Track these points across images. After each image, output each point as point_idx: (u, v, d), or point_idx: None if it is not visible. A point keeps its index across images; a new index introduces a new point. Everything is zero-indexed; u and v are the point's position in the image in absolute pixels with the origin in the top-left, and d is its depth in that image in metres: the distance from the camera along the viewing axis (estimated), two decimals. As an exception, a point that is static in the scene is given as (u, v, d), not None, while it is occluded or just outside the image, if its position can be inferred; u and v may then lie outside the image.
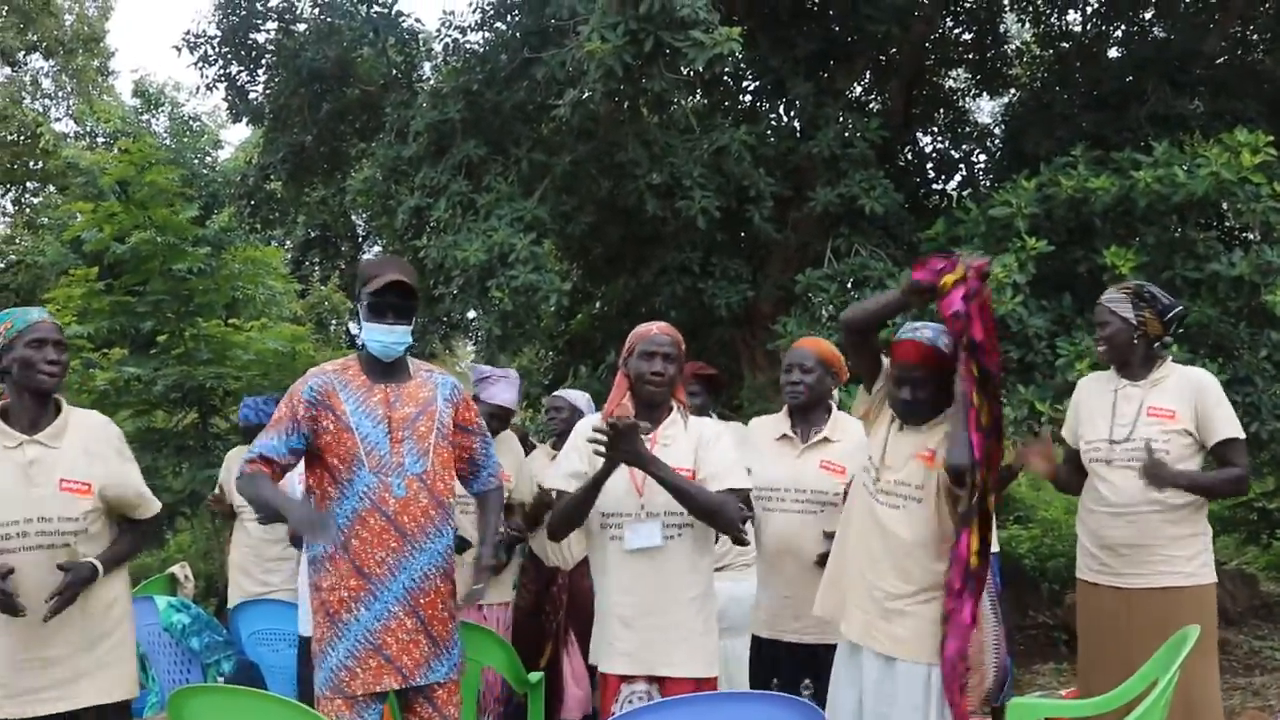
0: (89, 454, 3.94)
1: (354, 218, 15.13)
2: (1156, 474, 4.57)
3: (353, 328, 4.18)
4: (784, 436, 4.91)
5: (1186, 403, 4.72)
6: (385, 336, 4.00)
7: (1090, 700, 4.33)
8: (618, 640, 4.13)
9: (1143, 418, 4.76)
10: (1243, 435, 4.79)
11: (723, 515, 4.02)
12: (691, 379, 5.58)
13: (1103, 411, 4.91)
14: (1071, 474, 5.08)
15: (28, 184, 21.91)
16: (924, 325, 4.03)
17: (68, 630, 3.85)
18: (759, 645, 4.88)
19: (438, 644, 4.03)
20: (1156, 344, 4.83)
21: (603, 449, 3.90)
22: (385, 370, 4.08)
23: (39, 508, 3.80)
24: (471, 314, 9.05)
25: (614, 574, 4.16)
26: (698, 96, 10.30)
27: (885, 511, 3.99)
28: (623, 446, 3.90)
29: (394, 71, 10.27)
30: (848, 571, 4.08)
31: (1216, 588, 4.81)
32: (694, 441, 4.17)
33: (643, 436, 3.97)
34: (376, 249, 15.46)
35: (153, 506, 4.14)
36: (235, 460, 6.95)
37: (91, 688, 3.91)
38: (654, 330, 4.25)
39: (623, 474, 4.06)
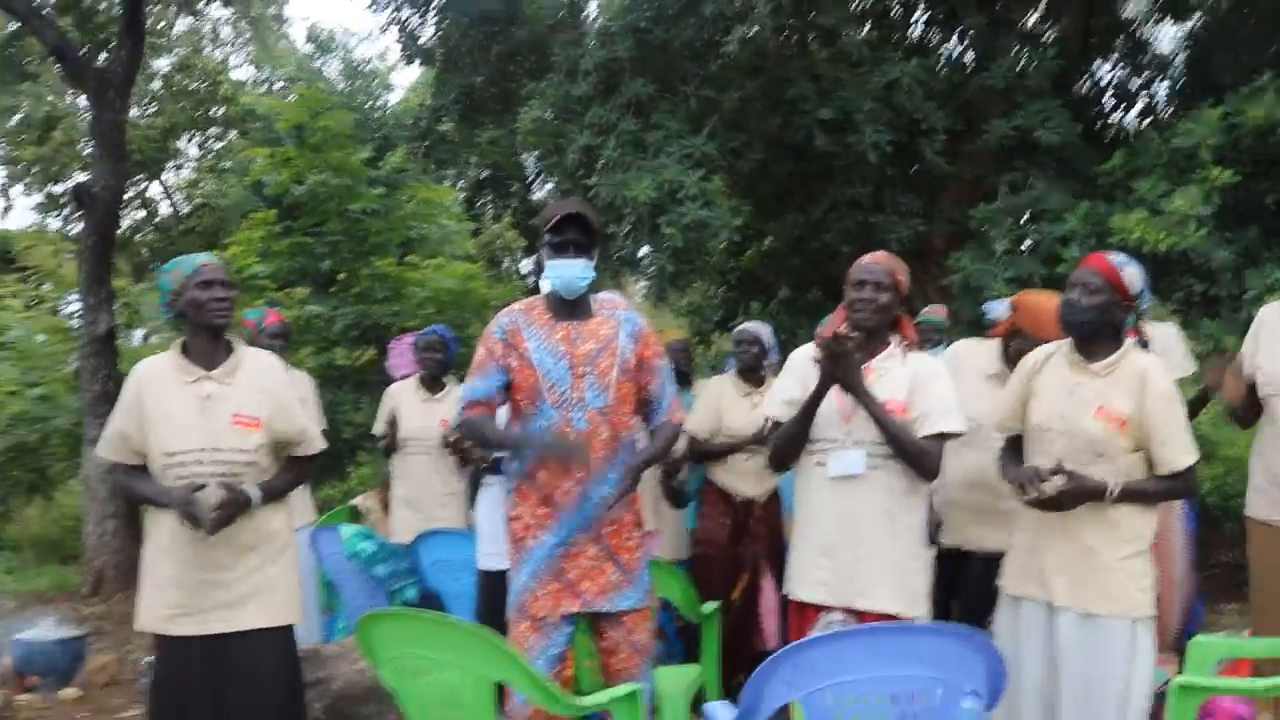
0: (260, 391, 4.13)
1: (524, 157, 15.27)
2: None
3: (531, 266, 4.22)
4: (994, 375, 4.77)
5: None
6: (564, 270, 4.08)
7: (1273, 640, 4.22)
8: (815, 568, 4.13)
9: None
10: None
11: (922, 461, 3.99)
12: None
13: None
14: (1249, 404, 4.86)
15: (210, 130, 22.57)
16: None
17: (235, 555, 4.05)
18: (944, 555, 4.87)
19: (626, 572, 4.13)
20: None
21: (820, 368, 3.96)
22: (568, 308, 4.17)
23: (214, 439, 4.01)
24: (642, 251, 9.11)
25: (815, 500, 4.16)
26: (867, 29, 10.15)
27: (1077, 469, 3.84)
28: (838, 366, 3.93)
29: (561, 11, 10.33)
30: (1042, 534, 3.96)
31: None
32: (910, 376, 4.10)
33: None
34: (547, 188, 15.59)
35: (314, 444, 4.30)
36: (397, 397, 7.08)
37: (254, 611, 4.09)
38: (868, 259, 4.23)
39: (830, 400, 4.06)
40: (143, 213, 22.98)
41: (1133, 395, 3.81)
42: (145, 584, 4.14)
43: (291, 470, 4.26)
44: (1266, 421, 4.75)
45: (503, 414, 4.32)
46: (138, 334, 15.66)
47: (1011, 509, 4.18)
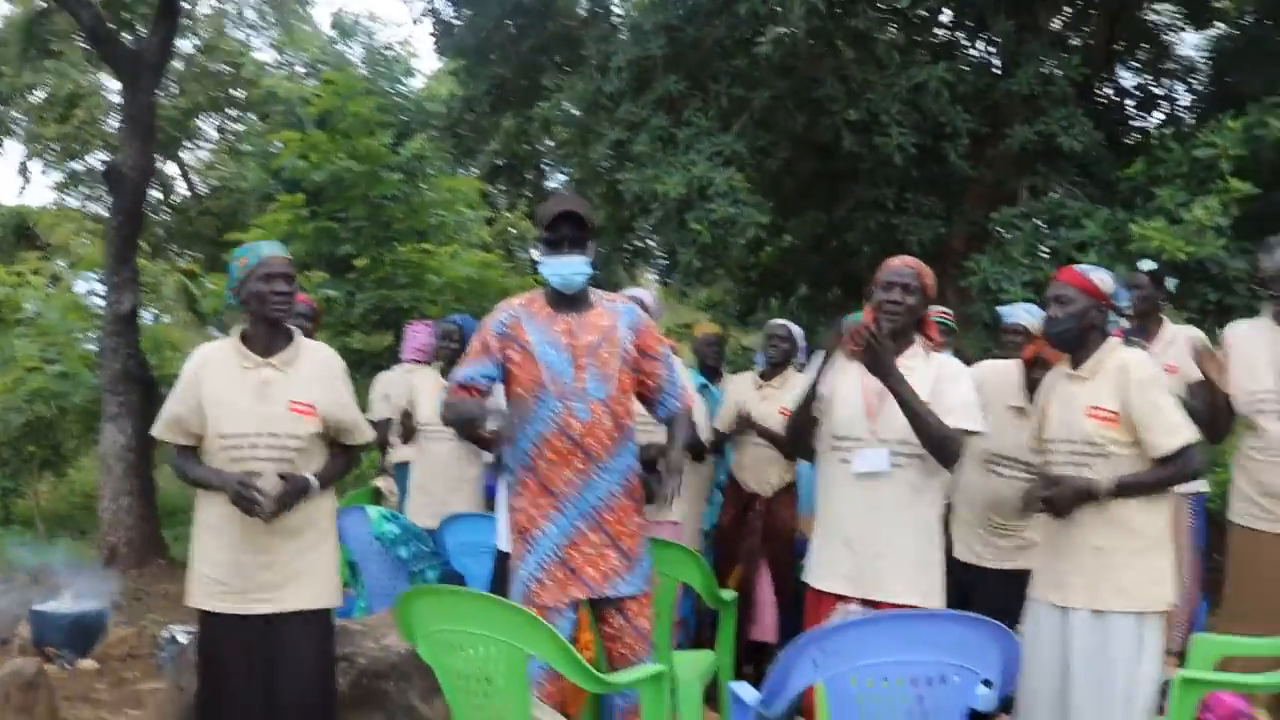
0: (316, 380, 4.26)
1: (538, 147, 15.31)
2: None
3: (536, 255, 4.31)
4: (1018, 408, 4.87)
5: None
6: (562, 268, 4.19)
7: (1274, 640, 4.32)
8: (837, 561, 4.23)
9: None
10: None
11: (948, 448, 4.05)
12: None
13: (1269, 362, 4.99)
14: (1217, 414, 5.00)
15: (229, 111, 22.66)
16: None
17: (282, 539, 4.16)
18: (955, 567, 4.87)
19: (627, 557, 4.22)
20: None
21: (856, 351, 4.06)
22: (568, 301, 4.27)
23: (270, 424, 4.13)
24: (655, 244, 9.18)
25: (839, 496, 4.25)
26: (895, 31, 10.20)
27: (1076, 472, 3.98)
28: (872, 354, 4.01)
29: (591, 6, 10.40)
30: (1059, 539, 4.05)
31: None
32: (933, 376, 4.18)
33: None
34: (560, 178, 15.65)
35: (366, 434, 4.45)
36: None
37: (298, 593, 4.21)
38: (896, 262, 4.30)
39: (856, 398, 4.18)
40: (159, 194, 23.06)
41: (1118, 390, 3.94)
42: (193, 562, 4.25)
43: (341, 458, 4.39)
44: (1246, 433, 4.99)
45: (500, 397, 4.40)
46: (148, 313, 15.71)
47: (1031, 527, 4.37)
